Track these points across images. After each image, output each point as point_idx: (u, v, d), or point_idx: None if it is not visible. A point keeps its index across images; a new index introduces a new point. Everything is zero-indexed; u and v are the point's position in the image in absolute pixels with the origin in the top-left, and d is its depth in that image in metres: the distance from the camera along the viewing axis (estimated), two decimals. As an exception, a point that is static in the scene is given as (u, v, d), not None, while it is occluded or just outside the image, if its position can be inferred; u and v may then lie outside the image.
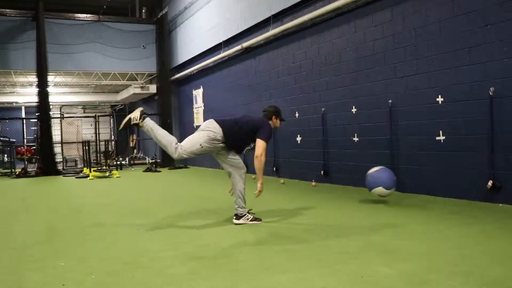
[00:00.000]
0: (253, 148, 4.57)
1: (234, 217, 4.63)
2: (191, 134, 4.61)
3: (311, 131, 8.35)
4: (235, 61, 11.33)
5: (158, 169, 13.42)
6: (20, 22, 13.94)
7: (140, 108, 4.53)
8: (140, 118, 4.39)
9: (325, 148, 7.98)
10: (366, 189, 6.70)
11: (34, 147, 15.30)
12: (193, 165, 14.37)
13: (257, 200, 4.94)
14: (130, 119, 4.39)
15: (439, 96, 5.77)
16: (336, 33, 7.63)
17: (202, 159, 13.62)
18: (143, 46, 15.76)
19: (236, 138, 4.57)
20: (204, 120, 13.40)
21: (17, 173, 12.92)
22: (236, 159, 4.67)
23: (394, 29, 6.45)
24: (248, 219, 4.58)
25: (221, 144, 4.52)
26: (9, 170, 13.77)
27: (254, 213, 4.73)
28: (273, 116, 4.79)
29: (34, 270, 3.21)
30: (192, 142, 4.47)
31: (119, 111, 22.17)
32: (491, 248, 3.33)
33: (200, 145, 4.43)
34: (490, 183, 5.11)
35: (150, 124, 4.45)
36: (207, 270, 3.04)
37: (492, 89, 5.11)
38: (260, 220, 4.64)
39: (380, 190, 5.46)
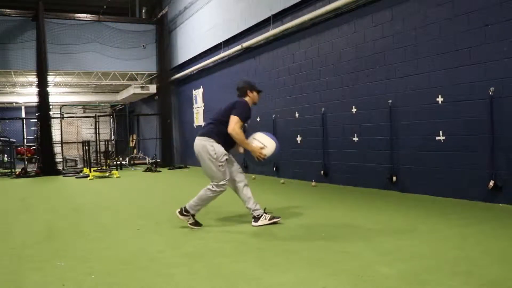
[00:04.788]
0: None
1: (253, 220, 4.45)
2: (191, 134, 4.61)
3: (311, 131, 8.35)
4: (235, 61, 11.32)
5: (158, 169, 13.42)
6: (20, 22, 13.94)
7: None
8: None
9: (325, 148, 7.97)
10: (366, 189, 6.68)
11: (34, 147, 15.30)
12: (193, 165, 14.37)
13: (257, 200, 4.93)
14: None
15: (439, 96, 5.76)
16: (336, 33, 7.62)
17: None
18: (143, 46, 15.76)
19: (225, 135, 4.32)
20: (204, 120, 13.54)
21: (17, 173, 12.92)
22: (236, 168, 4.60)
23: (394, 29, 6.44)
24: (266, 218, 4.42)
25: (221, 151, 4.32)
26: (9, 170, 13.78)
27: (271, 212, 4.65)
28: (248, 91, 4.52)
29: (34, 270, 3.21)
30: (211, 173, 4.38)
31: (119, 111, 22.17)
32: (491, 248, 3.33)
33: (219, 168, 4.32)
34: (491, 183, 5.10)
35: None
36: (207, 270, 3.04)
37: (492, 89, 5.11)
38: (279, 217, 4.49)
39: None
